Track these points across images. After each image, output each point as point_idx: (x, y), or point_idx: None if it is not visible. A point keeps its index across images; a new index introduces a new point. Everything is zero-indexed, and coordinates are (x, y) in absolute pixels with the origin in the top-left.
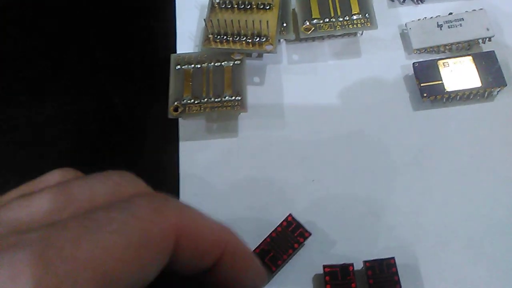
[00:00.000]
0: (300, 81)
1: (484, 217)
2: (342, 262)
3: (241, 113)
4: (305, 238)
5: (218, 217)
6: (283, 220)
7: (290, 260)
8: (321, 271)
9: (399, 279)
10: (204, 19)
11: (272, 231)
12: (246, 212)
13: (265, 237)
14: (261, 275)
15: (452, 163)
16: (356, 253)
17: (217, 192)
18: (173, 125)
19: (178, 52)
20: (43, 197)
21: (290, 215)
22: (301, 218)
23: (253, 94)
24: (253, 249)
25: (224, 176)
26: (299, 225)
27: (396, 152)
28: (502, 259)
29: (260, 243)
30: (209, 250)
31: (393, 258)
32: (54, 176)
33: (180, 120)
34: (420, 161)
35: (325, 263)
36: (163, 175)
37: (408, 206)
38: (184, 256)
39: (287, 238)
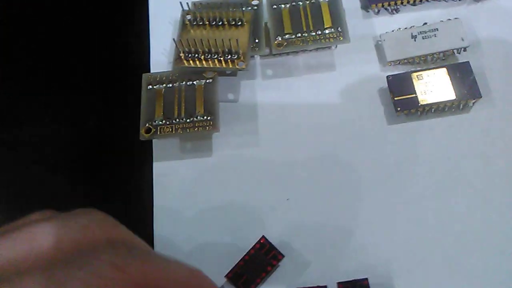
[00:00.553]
0: (274, 96)
1: (459, 232)
2: (316, 284)
3: (214, 133)
4: (279, 260)
5: (192, 239)
6: (256, 243)
7: (264, 283)
8: None
9: None
10: (174, 39)
11: (245, 254)
12: (220, 234)
13: (238, 260)
14: None
15: (427, 177)
16: (331, 273)
17: (191, 213)
18: (147, 145)
19: (152, 70)
20: (6, 244)
21: (263, 237)
22: (275, 239)
23: (228, 111)
24: (226, 273)
25: (198, 197)
26: (272, 247)
27: (370, 167)
28: (479, 275)
29: (233, 267)
30: None
31: (366, 279)
32: (30, 220)
33: (154, 140)
34: (395, 177)
35: (298, 286)
36: (137, 196)
37: (382, 223)
38: None
39: (261, 260)
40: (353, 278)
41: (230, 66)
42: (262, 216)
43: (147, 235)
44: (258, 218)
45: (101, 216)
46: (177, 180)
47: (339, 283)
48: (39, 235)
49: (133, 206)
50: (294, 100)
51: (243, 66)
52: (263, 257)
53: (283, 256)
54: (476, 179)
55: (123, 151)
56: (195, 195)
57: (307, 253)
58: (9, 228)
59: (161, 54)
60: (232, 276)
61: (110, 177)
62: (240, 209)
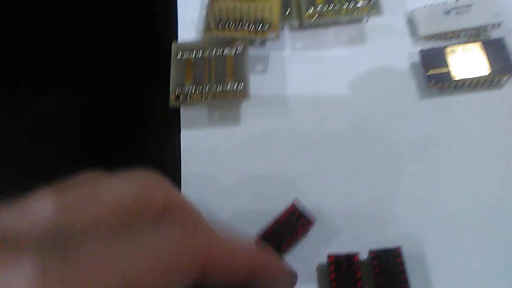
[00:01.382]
0: (303, 68)
1: (492, 206)
2: (347, 251)
3: (243, 102)
4: (309, 226)
5: (221, 206)
6: (286, 209)
7: (294, 249)
8: (325, 260)
9: (405, 269)
10: (206, 6)
11: (275, 220)
12: (249, 201)
13: (268, 226)
14: (292, 281)
15: (460, 152)
16: (362, 242)
17: (219, 181)
18: (175, 114)
19: (180, 39)
20: (74, 193)
21: (293, 204)
22: (306, 207)
23: (256, 82)
24: (255, 238)
25: (226, 165)
26: (302, 214)
27: (403, 140)
28: (510, 248)
29: (263, 233)
30: (236, 271)
31: (399, 247)
32: (84, 177)
33: (182, 108)
34: (428, 150)
35: (330, 252)
36: (165, 164)
37: (415, 194)
38: (212, 276)
39: (290, 227)
40: (385, 247)
41: (261, 36)
42: (293, 184)
43: None
44: (289, 185)
45: (158, 177)
46: (205, 148)
47: (371, 251)
48: (101, 187)
49: (161, 174)
50: (324, 72)
51: (274, 36)
52: (293, 224)
53: (313, 223)
54: (508, 153)
55: (150, 119)
56: (223, 163)
57: (338, 221)
58: (71, 183)
59: (189, 25)
60: (261, 241)
61: (137, 146)
62: (270, 177)
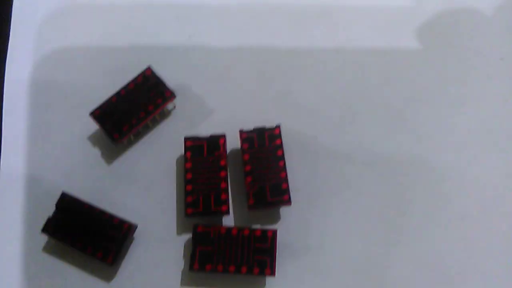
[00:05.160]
0: None
1: None
2: (213, 133)
3: None
4: (166, 99)
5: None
6: (139, 75)
7: (149, 133)
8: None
9: (283, 153)
10: None
11: (122, 88)
12: (93, 64)
13: (111, 95)
14: None
15: None
16: (236, 126)
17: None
18: None
19: None
20: None
21: (149, 68)
22: (170, 80)
23: None
24: (93, 110)
25: None
26: (159, 82)
27: None
28: None
29: (102, 103)
30: None
31: (278, 126)
32: None
33: None
34: None
35: (191, 135)
36: None
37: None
38: None
39: (141, 97)
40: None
41: None
42: (155, 53)
43: None
44: (150, 53)
45: None
46: None
47: (242, 132)
48: None
49: None
50: None
51: None
52: (146, 94)
53: (172, 94)
54: None
55: None
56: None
57: (207, 99)
58: None
59: None
60: (100, 114)
61: None
62: (125, 36)
